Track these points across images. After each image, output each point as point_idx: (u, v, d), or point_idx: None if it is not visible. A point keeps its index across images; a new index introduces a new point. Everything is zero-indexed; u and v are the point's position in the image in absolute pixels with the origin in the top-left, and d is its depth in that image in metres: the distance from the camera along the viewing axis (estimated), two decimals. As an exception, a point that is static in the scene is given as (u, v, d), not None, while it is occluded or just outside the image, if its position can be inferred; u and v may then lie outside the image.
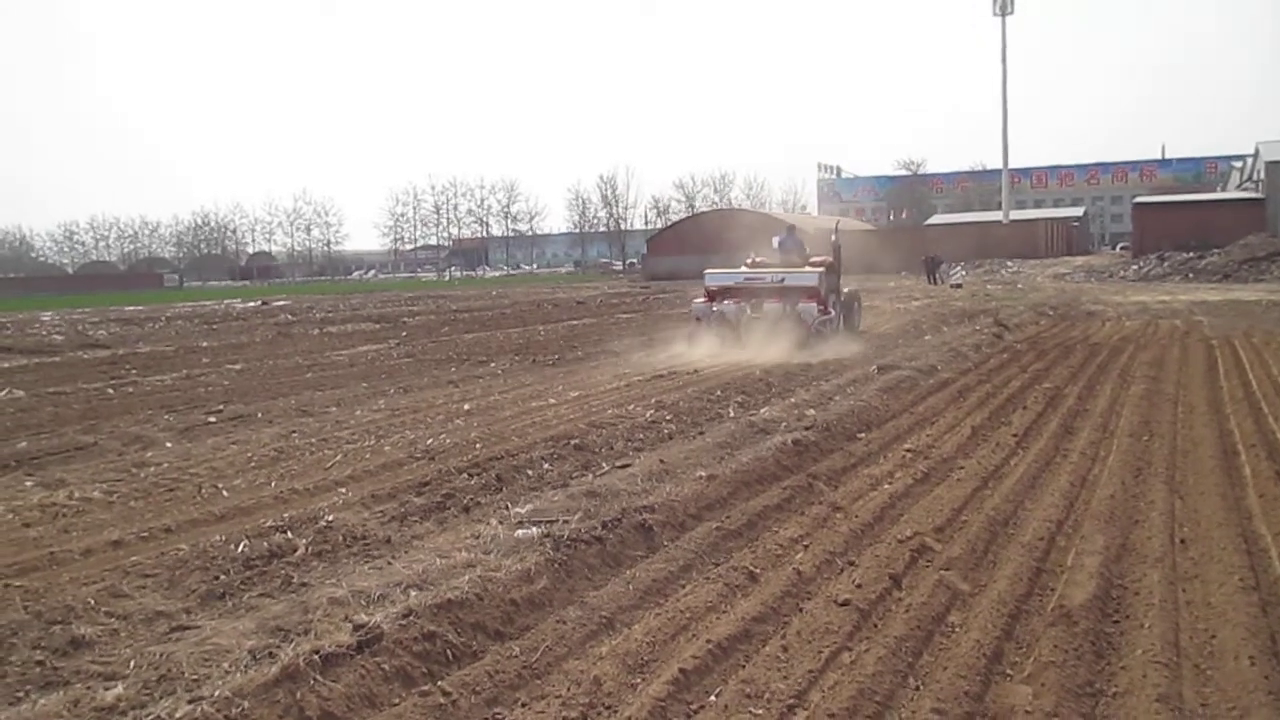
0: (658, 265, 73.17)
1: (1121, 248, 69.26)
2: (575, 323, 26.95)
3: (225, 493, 8.03)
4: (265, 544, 6.37)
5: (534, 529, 6.14)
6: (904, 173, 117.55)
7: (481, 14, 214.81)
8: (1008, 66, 71.88)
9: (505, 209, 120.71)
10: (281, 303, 46.80)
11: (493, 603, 5.05)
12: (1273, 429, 9.39)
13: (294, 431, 10.65)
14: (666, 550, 6.06)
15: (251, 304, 46.89)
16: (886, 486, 7.63)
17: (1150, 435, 9.27)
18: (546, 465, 8.50)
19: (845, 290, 19.49)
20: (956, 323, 21.59)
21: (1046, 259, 61.36)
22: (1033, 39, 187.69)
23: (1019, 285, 40.95)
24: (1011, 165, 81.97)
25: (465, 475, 8.11)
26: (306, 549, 6.33)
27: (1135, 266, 45.68)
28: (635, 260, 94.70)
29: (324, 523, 6.76)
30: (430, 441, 9.74)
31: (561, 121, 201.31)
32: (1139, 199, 65.66)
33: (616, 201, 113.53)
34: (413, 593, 5.15)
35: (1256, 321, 20.68)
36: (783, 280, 17.98)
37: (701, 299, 18.50)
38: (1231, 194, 68.21)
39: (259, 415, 11.98)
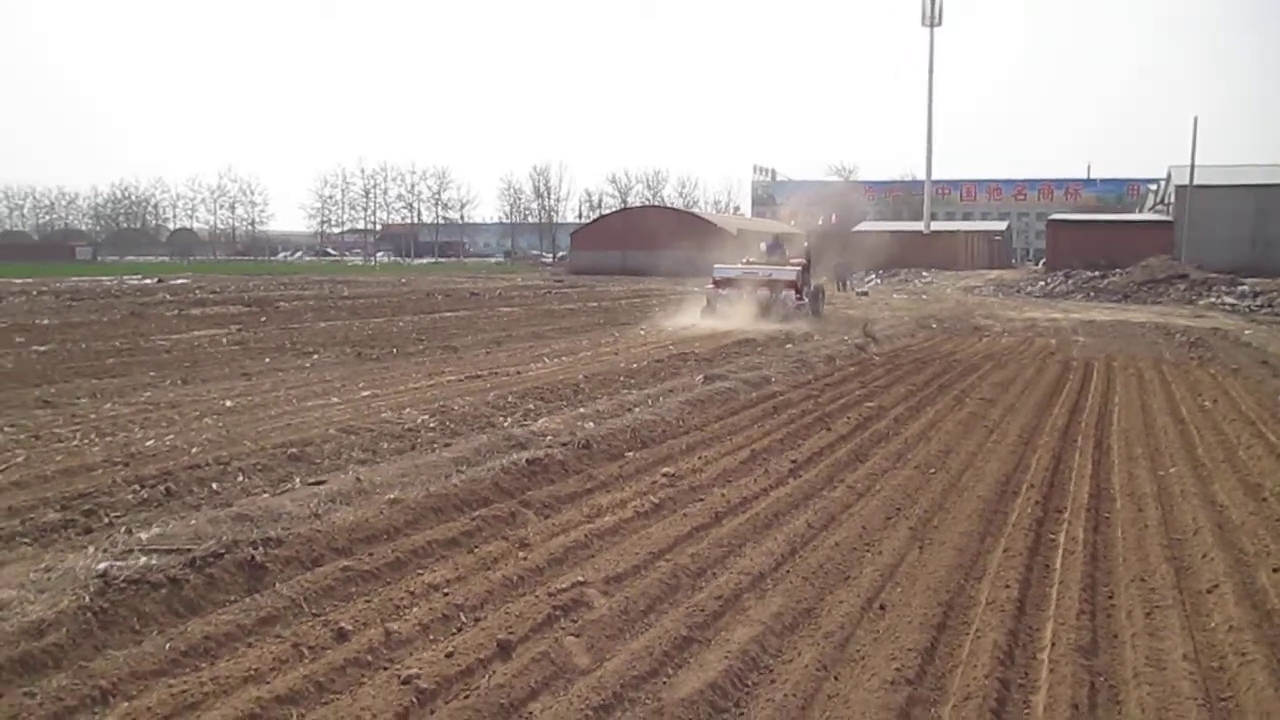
0: (581, 259, 72.21)
1: (1041, 262, 69.30)
2: (450, 314, 25.73)
3: None
4: None
5: (129, 562, 5.10)
6: (836, 179, 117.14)
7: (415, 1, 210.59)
8: (934, 78, 71.49)
9: (436, 196, 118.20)
10: (181, 281, 44.89)
11: (-41, 668, 4.02)
12: (1071, 466, 8.68)
13: (11, 425, 9.47)
14: (265, 595, 5.04)
15: (148, 281, 44.87)
16: (606, 519, 6.70)
17: (940, 468, 8.48)
18: (241, 477, 7.47)
19: (814, 285, 25.48)
20: (832, 331, 20.84)
21: (964, 270, 61.12)
22: (967, 52, 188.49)
23: (924, 296, 40.48)
24: (942, 177, 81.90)
25: (136, 486, 7.07)
26: None
27: (1042, 283, 45.50)
28: (565, 253, 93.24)
29: (-96, 543, 5.67)
30: (150, 443, 8.66)
31: (495, 110, 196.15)
32: (1054, 216, 65.69)
33: (549, 193, 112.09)
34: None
35: (1129, 344, 20.17)
36: (771, 275, 23.64)
37: (711, 285, 24.27)
38: (1143, 215, 68.63)
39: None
